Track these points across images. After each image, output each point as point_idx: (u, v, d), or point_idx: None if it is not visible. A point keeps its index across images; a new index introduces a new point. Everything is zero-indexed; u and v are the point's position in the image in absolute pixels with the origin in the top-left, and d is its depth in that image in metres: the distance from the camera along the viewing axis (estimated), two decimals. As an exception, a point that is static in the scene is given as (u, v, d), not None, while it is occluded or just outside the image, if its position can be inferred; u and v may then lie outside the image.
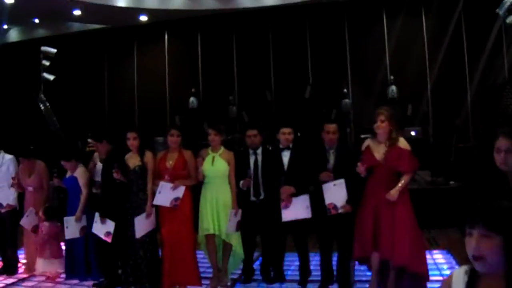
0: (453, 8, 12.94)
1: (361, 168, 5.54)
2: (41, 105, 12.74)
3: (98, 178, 6.76)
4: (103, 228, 6.42)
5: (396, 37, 13.33)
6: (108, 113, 15.59)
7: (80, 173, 6.83)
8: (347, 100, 13.31)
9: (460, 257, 7.36)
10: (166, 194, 6.19)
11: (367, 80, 13.46)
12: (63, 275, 7.10)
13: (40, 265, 7.13)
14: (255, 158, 6.49)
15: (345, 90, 13.47)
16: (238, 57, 14.71)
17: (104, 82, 15.88)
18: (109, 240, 6.36)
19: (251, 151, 6.51)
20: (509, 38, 12.38)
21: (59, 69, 13.57)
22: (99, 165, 6.81)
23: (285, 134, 6.40)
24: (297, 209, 6.06)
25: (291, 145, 6.40)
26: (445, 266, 7.08)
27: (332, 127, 6.04)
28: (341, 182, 5.83)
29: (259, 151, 6.52)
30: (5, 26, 15.73)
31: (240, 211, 6.27)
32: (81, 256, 6.93)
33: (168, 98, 15.23)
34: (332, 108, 13.00)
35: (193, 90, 14.68)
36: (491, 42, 12.60)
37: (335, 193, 5.84)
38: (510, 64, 12.37)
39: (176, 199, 6.20)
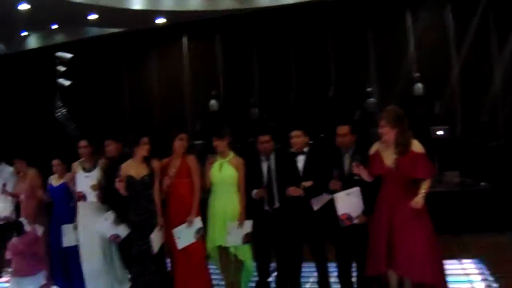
0: (478, 0, 12.41)
1: (358, 171, 5.15)
2: (57, 112, 12.57)
3: (80, 188, 6.45)
4: (112, 229, 6.17)
5: (421, 33, 12.89)
6: (128, 118, 15.31)
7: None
8: (371, 99, 12.84)
9: (493, 266, 6.88)
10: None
11: (392, 78, 13.00)
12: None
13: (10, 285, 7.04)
14: (268, 164, 6.09)
15: (369, 89, 13.00)
16: (259, 58, 14.37)
17: (123, 86, 15.66)
18: (116, 241, 6.14)
19: (263, 158, 6.11)
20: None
21: (78, 75, 13.39)
22: (81, 174, 6.49)
23: (294, 138, 5.97)
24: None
25: (306, 149, 5.99)
26: (476, 277, 6.59)
27: (343, 129, 5.66)
28: (355, 190, 5.43)
29: (272, 156, 6.11)
30: (24, 33, 15.68)
31: (250, 222, 5.90)
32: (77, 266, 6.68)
33: (188, 101, 14.94)
34: (356, 108, 12.58)
35: (213, 92, 14.33)
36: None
37: (349, 203, 5.44)
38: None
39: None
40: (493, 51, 12.48)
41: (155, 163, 6.09)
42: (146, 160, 6.06)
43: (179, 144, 6.06)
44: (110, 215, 6.19)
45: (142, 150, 6.02)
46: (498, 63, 12.41)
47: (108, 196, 6.34)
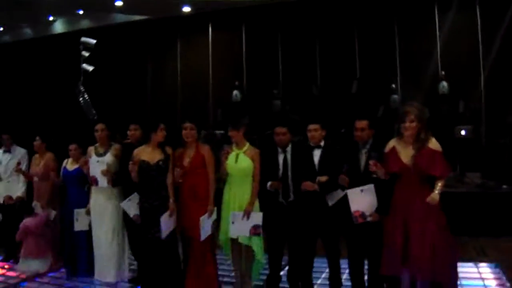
0: (508, 0, 12.13)
1: (374, 168, 5.06)
2: (80, 96, 12.62)
3: (92, 172, 6.45)
4: (136, 209, 6.13)
5: (448, 30, 12.60)
6: (151, 106, 15.32)
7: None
8: (395, 96, 12.66)
9: (510, 271, 6.74)
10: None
11: (417, 75, 12.79)
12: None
13: (19, 265, 7.18)
14: (284, 156, 5.98)
15: (393, 86, 12.81)
16: (283, 50, 14.23)
17: (147, 74, 15.66)
18: (137, 221, 6.10)
19: (279, 150, 6.01)
20: None
21: (102, 61, 13.44)
22: (94, 158, 6.48)
23: (311, 131, 5.88)
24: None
25: (322, 143, 5.90)
26: (492, 282, 6.45)
27: (361, 123, 5.56)
28: (369, 187, 5.31)
29: (289, 149, 6.00)
30: (51, 18, 15.77)
31: (260, 214, 5.84)
32: (85, 253, 6.80)
33: (211, 91, 14.88)
34: (380, 104, 12.43)
35: (236, 83, 14.26)
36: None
37: (363, 200, 5.34)
38: None
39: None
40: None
41: (169, 149, 6.07)
42: (161, 146, 6.03)
43: (184, 133, 6.01)
44: (135, 197, 6.13)
45: (159, 136, 6.01)
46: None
47: (120, 181, 6.32)
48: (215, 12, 14.65)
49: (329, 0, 13.45)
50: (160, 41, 15.46)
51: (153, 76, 15.64)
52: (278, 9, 14.00)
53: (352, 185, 5.43)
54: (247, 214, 5.81)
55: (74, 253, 6.89)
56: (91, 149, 6.63)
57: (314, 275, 6.18)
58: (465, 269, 6.76)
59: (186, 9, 14.40)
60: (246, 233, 5.81)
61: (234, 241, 5.98)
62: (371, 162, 5.16)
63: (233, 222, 5.80)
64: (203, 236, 5.83)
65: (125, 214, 6.31)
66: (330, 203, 5.70)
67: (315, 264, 6.09)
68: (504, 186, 9.42)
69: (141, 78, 15.58)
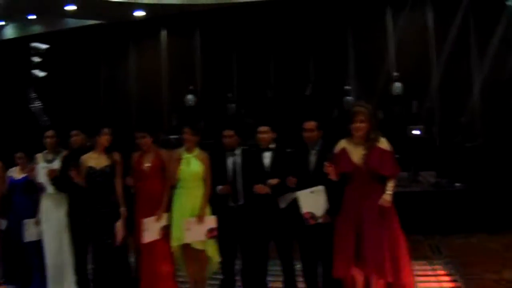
0: (459, 1, 12.39)
1: (330, 170, 5.02)
2: (31, 103, 12.36)
3: (40, 179, 6.26)
4: None
5: (401, 32, 12.88)
6: (104, 111, 15.11)
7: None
8: (349, 98, 12.76)
9: (463, 267, 6.82)
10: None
11: (371, 76, 13.01)
12: None
13: None
14: (233, 160, 5.93)
15: (347, 87, 12.92)
16: (238, 54, 14.28)
17: (100, 78, 15.49)
18: None
19: (228, 152, 5.96)
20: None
21: (55, 66, 13.18)
22: (42, 165, 6.29)
23: (261, 133, 5.82)
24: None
25: (272, 146, 5.85)
26: (446, 278, 6.50)
27: (309, 124, 5.52)
28: (320, 189, 5.28)
29: (238, 151, 5.96)
30: (2, 23, 15.47)
31: (214, 217, 5.75)
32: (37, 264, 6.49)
33: (166, 96, 14.78)
34: (334, 106, 12.50)
35: (191, 87, 14.15)
36: (499, 35, 12.06)
37: (313, 201, 5.29)
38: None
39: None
40: (473, 53, 12.52)
41: (117, 155, 5.97)
42: (108, 151, 5.93)
43: (138, 142, 5.91)
44: None
45: (102, 140, 5.90)
46: (477, 65, 12.42)
47: (63, 185, 6.17)
48: (169, 17, 14.58)
49: (283, 4, 13.50)
50: (113, 46, 15.30)
51: (106, 81, 15.47)
52: (232, 13, 14.05)
53: (302, 187, 5.38)
54: (201, 218, 5.73)
55: (25, 266, 6.67)
56: (39, 156, 6.45)
57: (270, 278, 6.11)
58: (420, 267, 6.77)
59: (139, 13, 14.29)
60: (202, 237, 5.72)
61: (186, 247, 5.86)
62: (326, 163, 5.12)
63: (188, 229, 5.71)
64: (146, 239, 5.73)
65: (77, 220, 6.15)
66: (282, 206, 5.66)
67: (272, 268, 6.04)
68: (458, 184, 9.55)
69: (94, 83, 15.37)
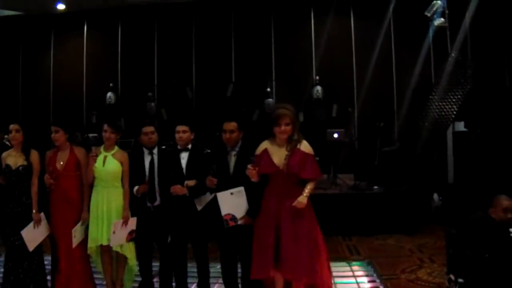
0: (383, 9, 12.70)
1: (252, 172, 4.92)
2: None
3: None
4: None
5: (324, 37, 12.95)
6: (22, 106, 14.38)
7: None
8: (270, 100, 12.76)
9: (380, 268, 6.92)
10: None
11: (292, 79, 13.03)
12: None
13: None
14: (151, 158, 5.77)
15: (268, 89, 12.91)
16: (159, 52, 13.93)
17: (19, 72, 14.61)
18: None
19: (146, 151, 5.80)
20: (437, 41, 12.14)
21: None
22: None
23: (179, 133, 5.69)
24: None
25: (190, 146, 5.72)
26: (364, 279, 6.54)
27: (229, 125, 5.41)
28: (239, 190, 5.18)
29: (155, 151, 5.81)
30: None
31: (134, 219, 5.57)
32: None
33: (85, 92, 14.22)
34: (255, 108, 12.45)
35: (111, 85, 13.72)
36: (420, 45, 12.38)
37: (233, 203, 5.19)
38: (437, 67, 12.13)
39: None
40: (394, 58, 12.76)
41: (34, 155, 5.67)
42: (25, 150, 5.64)
43: (52, 137, 5.66)
44: None
45: (12, 137, 5.65)
46: (398, 72, 12.71)
47: None
48: (91, 11, 14.05)
49: (206, 2, 13.39)
50: (33, 38, 14.51)
51: (25, 75, 14.63)
52: (155, 9, 13.78)
53: (221, 188, 5.27)
54: (126, 221, 5.52)
55: None
56: None
57: (190, 279, 5.99)
58: (339, 268, 6.85)
59: (61, 6, 13.70)
60: (123, 240, 5.55)
61: (104, 249, 5.66)
62: (249, 166, 5.00)
63: (114, 232, 5.49)
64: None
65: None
66: (199, 208, 5.57)
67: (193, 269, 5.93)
68: (375, 187, 9.71)
69: (12, 77, 14.53)
